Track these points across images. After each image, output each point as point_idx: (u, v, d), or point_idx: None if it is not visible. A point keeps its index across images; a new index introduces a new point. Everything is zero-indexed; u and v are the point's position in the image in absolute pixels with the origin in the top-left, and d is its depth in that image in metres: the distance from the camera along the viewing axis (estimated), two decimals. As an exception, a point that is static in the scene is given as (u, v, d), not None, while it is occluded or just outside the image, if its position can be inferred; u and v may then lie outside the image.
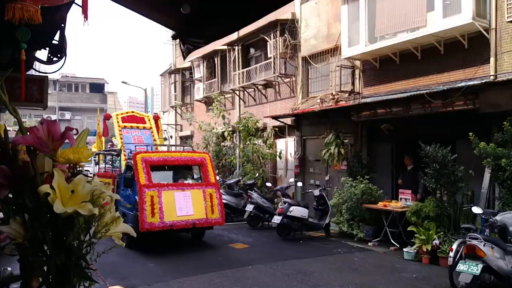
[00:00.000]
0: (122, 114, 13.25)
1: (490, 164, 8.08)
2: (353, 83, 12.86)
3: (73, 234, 1.65)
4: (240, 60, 18.00)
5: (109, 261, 7.25)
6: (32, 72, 5.62)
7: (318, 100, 13.64)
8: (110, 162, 35.43)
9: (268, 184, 14.44)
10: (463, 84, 9.34)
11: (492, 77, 9.17)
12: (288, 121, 15.02)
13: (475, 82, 9.18)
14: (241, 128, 16.09)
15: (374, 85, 12.16)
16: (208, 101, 20.46)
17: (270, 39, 15.51)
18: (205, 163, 9.99)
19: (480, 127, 9.11)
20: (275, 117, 14.72)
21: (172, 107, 26.07)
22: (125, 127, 12.57)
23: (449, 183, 8.50)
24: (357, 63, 12.59)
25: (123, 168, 10.89)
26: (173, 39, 18.15)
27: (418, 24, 10.17)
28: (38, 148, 1.65)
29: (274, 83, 16.26)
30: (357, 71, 12.74)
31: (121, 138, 12.23)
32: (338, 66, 12.89)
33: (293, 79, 15.40)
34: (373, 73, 12.19)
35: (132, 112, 13.62)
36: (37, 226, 1.57)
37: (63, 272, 1.61)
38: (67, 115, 44.60)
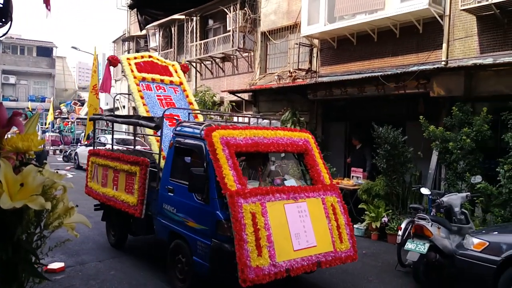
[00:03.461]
0: (136, 58, 8.35)
1: (438, 146, 8.45)
2: (310, 62, 12.92)
3: (22, 227, 1.54)
4: (198, 31, 17.56)
5: (58, 237, 6.93)
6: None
7: (276, 77, 13.62)
8: (58, 131, 33.27)
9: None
10: (415, 68, 9.63)
11: (443, 63, 9.49)
12: (246, 96, 14.94)
13: (427, 67, 9.48)
14: (198, 101, 15.84)
15: (331, 65, 12.28)
16: (163, 72, 19.90)
17: (230, 12, 15.20)
18: (310, 149, 5.89)
19: (430, 110, 9.46)
20: (233, 92, 14.59)
21: (124, 75, 25.18)
22: (143, 79, 7.84)
23: (398, 164, 8.83)
24: (316, 41, 12.62)
25: (154, 147, 6.99)
26: (130, 8, 16.21)
27: (377, 6, 10.28)
28: (-19, 134, 1.50)
29: (232, 57, 16.04)
30: (315, 50, 12.79)
31: (141, 98, 7.45)
32: (297, 44, 12.88)
33: (252, 54, 15.25)
34: (331, 52, 12.28)
35: (150, 56, 8.67)
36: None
37: (10, 268, 1.51)
38: (12, 79, 42.15)
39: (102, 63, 31.71)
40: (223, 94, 15.81)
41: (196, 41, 17.36)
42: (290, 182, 5.88)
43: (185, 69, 9.04)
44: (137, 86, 7.63)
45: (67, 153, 22.34)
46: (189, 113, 7.60)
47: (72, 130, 30.88)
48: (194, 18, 17.55)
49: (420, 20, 9.90)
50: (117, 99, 28.83)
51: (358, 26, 10.89)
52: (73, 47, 30.29)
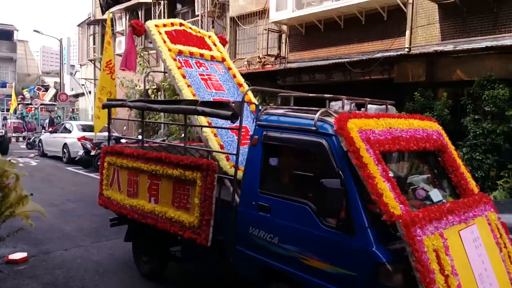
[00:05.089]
0: (165, 26, 6.34)
1: (400, 131, 8.78)
2: (279, 48, 13.06)
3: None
4: (166, 15, 17.33)
5: (20, 225, 6.49)
6: None
7: (245, 63, 13.70)
8: (20, 117, 32.02)
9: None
10: (380, 55, 9.92)
11: (406, 50, 9.82)
12: (215, 82, 14.94)
13: (391, 53, 9.79)
14: (166, 86, 15.72)
15: (299, 51, 12.45)
16: (130, 57, 19.57)
17: (198, -4, 15.09)
18: (446, 145, 4.27)
19: (394, 96, 9.79)
20: (202, 77, 14.56)
21: (90, 60, 24.64)
22: (180, 52, 5.98)
23: (363, 148, 9.13)
24: (284, 27, 12.75)
25: (212, 144, 5.03)
26: (92, -11, 15.16)
27: (343, -7, 10.49)
28: None
29: (201, 42, 15.95)
30: (283, 36, 12.92)
31: (184, 77, 5.64)
32: (266, 30, 12.98)
33: (221, 39, 15.22)
34: (299, 38, 12.45)
35: (181, 24, 6.66)
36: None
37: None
38: (-31, 64, 40.35)
39: (67, 46, 30.84)
40: (193, 80, 15.73)
41: (164, 25, 17.15)
42: (435, 194, 4.04)
43: (224, 42, 7.19)
44: (175, 62, 5.75)
45: (31, 140, 21.61)
46: (279, 94, 4.78)
47: (36, 117, 29.99)
48: (162, 2, 17.31)
49: (384, 8, 10.18)
50: (82, 84, 28.16)
51: (325, 13, 11.07)
52: (35, 31, 29.22)
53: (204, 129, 5.06)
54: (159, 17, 17.45)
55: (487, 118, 8.12)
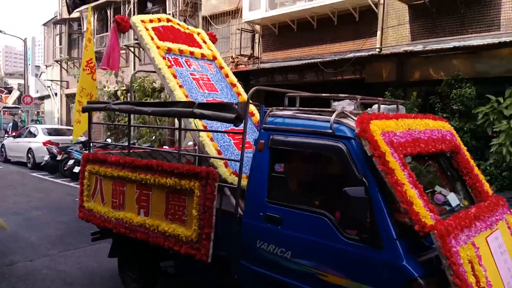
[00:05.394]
0: (152, 21, 5.88)
1: (372, 129, 8.91)
2: (252, 48, 13.04)
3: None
4: (136, 14, 17.04)
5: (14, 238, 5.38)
6: None
7: (217, 63, 13.61)
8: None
9: (166, 148, 14.22)
10: (352, 55, 10.05)
11: (377, 50, 9.97)
12: (186, 82, 14.77)
13: (363, 53, 9.92)
14: (136, 87, 15.44)
15: (272, 51, 12.46)
16: (98, 57, 19.13)
17: (169, -5, 14.90)
18: (459, 146, 4.11)
19: (364, 95, 9.92)
20: (173, 78, 14.37)
21: (57, 61, 23.96)
22: (169, 50, 5.59)
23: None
24: (257, 27, 12.74)
25: (210, 149, 4.72)
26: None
27: (316, -7, 10.58)
28: None
29: (172, 42, 15.75)
30: (257, 36, 12.91)
31: (175, 77, 5.25)
32: (239, 29, 12.94)
33: (192, 39, 15.07)
34: (272, 38, 12.47)
35: (169, 20, 6.28)
36: None
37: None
38: None
39: (32, 46, 29.90)
40: (164, 80, 15.50)
41: (134, 25, 16.86)
42: (452, 197, 3.86)
43: (214, 40, 6.78)
44: (165, 61, 5.37)
45: None
46: (286, 94, 4.14)
47: (-1, 120, 28.94)
48: (132, 0, 17.03)
49: (356, 8, 10.32)
50: (48, 86, 27.33)
51: (298, 13, 11.14)
52: (-3, 30, 28.20)
53: (200, 133, 4.70)
54: (129, 16, 17.13)
55: (454, 116, 8.32)
